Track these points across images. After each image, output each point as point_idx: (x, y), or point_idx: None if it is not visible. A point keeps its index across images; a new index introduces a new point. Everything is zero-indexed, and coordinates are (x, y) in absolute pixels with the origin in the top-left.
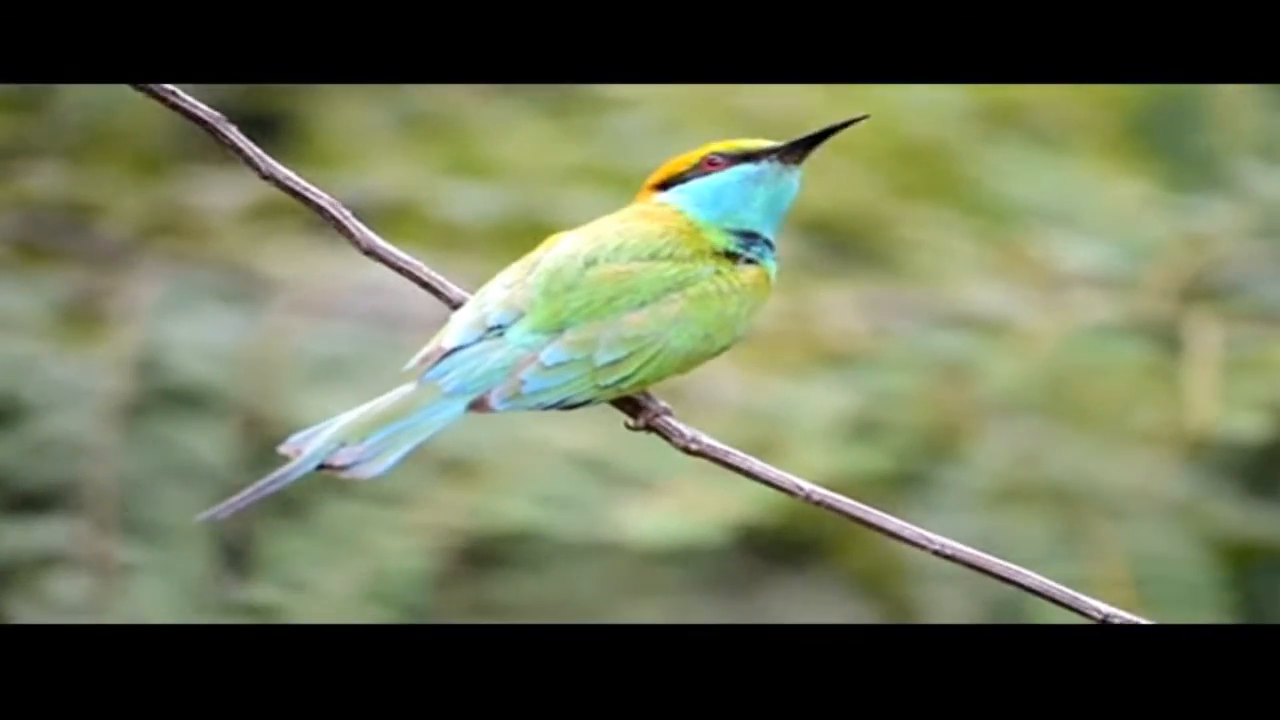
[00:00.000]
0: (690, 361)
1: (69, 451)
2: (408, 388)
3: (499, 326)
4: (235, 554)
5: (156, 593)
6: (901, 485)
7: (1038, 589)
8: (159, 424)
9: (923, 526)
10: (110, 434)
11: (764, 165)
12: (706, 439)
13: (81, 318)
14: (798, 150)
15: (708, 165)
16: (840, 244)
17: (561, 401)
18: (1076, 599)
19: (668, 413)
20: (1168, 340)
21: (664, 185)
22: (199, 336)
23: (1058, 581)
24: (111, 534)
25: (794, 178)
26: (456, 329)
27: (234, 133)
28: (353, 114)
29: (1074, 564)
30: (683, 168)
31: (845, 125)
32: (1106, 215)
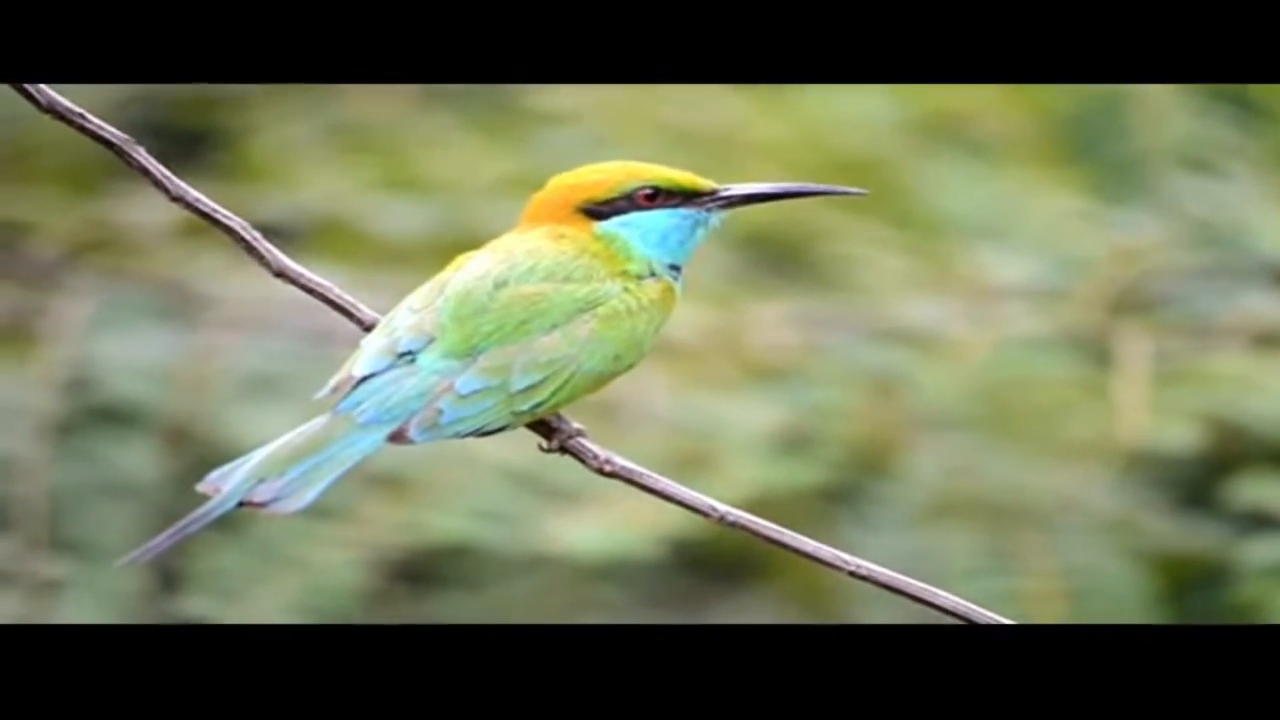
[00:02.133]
0: (601, 381)
1: (0, 469)
2: (323, 419)
3: (410, 352)
4: (168, 570)
5: (87, 609)
6: (834, 500)
7: (950, 608)
8: (90, 441)
9: (857, 542)
10: (41, 451)
11: (709, 213)
12: (620, 460)
13: (11, 336)
14: (744, 201)
15: (643, 199)
16: (772, 258)
17: (479, 429)
18: (989, 618)
19: (581, 434)
20: (1098, 353)
21: (593, 211)
22: (130, 354)
23: (989, 596)
24: (42, 551)
25: (720, 221)
26: (366, 356)
27: (142, 154)
28: (282, 127)
29: (1007, 578)
30: (606, 193)
31: (807, 193)
32: (1037, 228)
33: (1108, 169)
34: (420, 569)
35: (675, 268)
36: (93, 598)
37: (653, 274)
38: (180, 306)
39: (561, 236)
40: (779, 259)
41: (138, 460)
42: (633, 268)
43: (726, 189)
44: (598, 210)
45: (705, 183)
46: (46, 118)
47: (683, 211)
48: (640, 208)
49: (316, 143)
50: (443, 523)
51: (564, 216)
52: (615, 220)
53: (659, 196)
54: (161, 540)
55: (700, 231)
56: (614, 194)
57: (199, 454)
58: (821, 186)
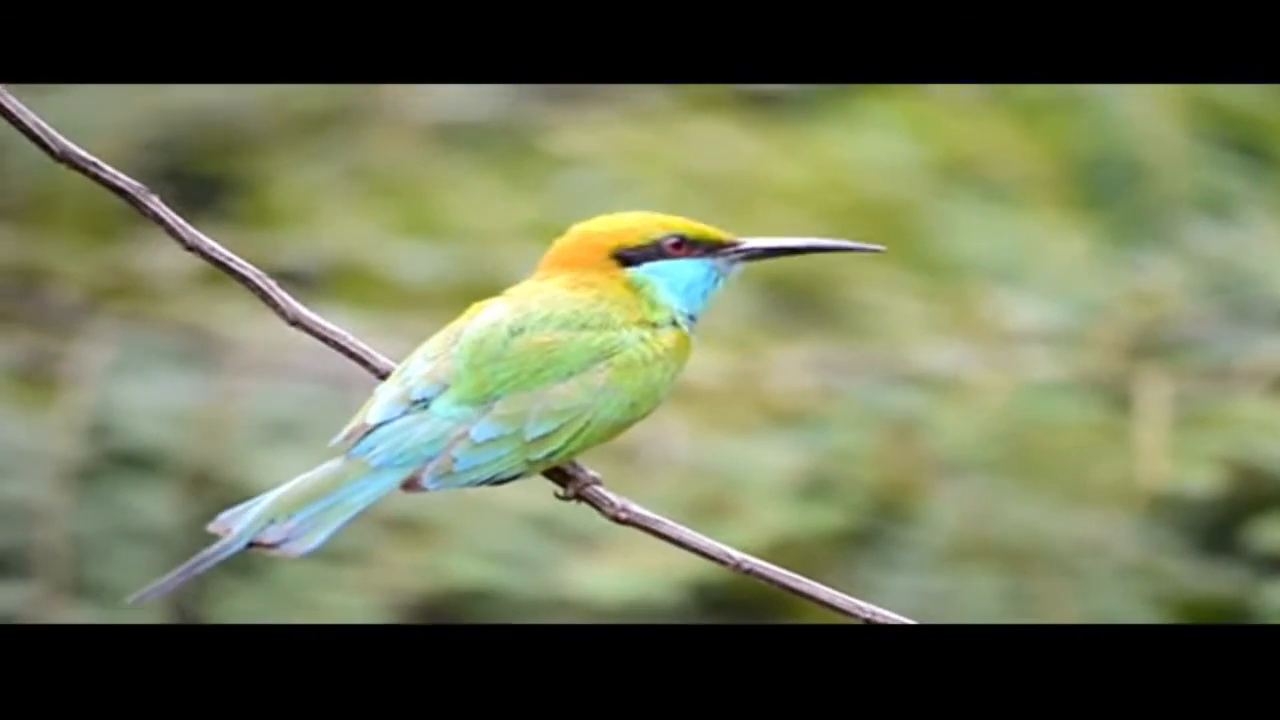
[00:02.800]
0: (617, 429)
1: (21, 515)
2: (335, 463)
3: (423, 400)
4: (187, 615)
5: None
6: (855, 544)
7: None
8: (111, 487)
9: (878, 585)
10: (62, 497)
11: (730, 261)
12: (636, 508)
13: (33, 381)
14: (766, 254)
15: (671, 248)
16: (791, 302)
17: (493, 477)
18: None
19: (597, 482)
20: (1118, 397)
21: (624, 257)
22: (150, 399)
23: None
24: (64, 596)
25: (738, 272)
26: (380, 404)
27: (155, 203)
28: (300, 172)
29: (1028, 622)
30: (638, 240)
31: (829, 249)
32: (1055, 271)
33: (1125, 213)
34: (438, 612)
35: (692, 318)
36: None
37: (673, 323)
38: (200, 352)
39: (578, 284)
40: (798, 303)
41: (158, 505)
42: (655, 316)
43: (748, 241)
44: (629, 256)
45: (727, 235)
46: (60, 168)
47: (709, 262)
48: (668, 256)
49: (335, 186)
50: (460, 566)
51: (596, 262)
52: (646, 267)
53: (684, 246)
54: (172, 579)
55: (720, 283)
56: (644, 242)
57: (219, 498)
58: (840, 242)
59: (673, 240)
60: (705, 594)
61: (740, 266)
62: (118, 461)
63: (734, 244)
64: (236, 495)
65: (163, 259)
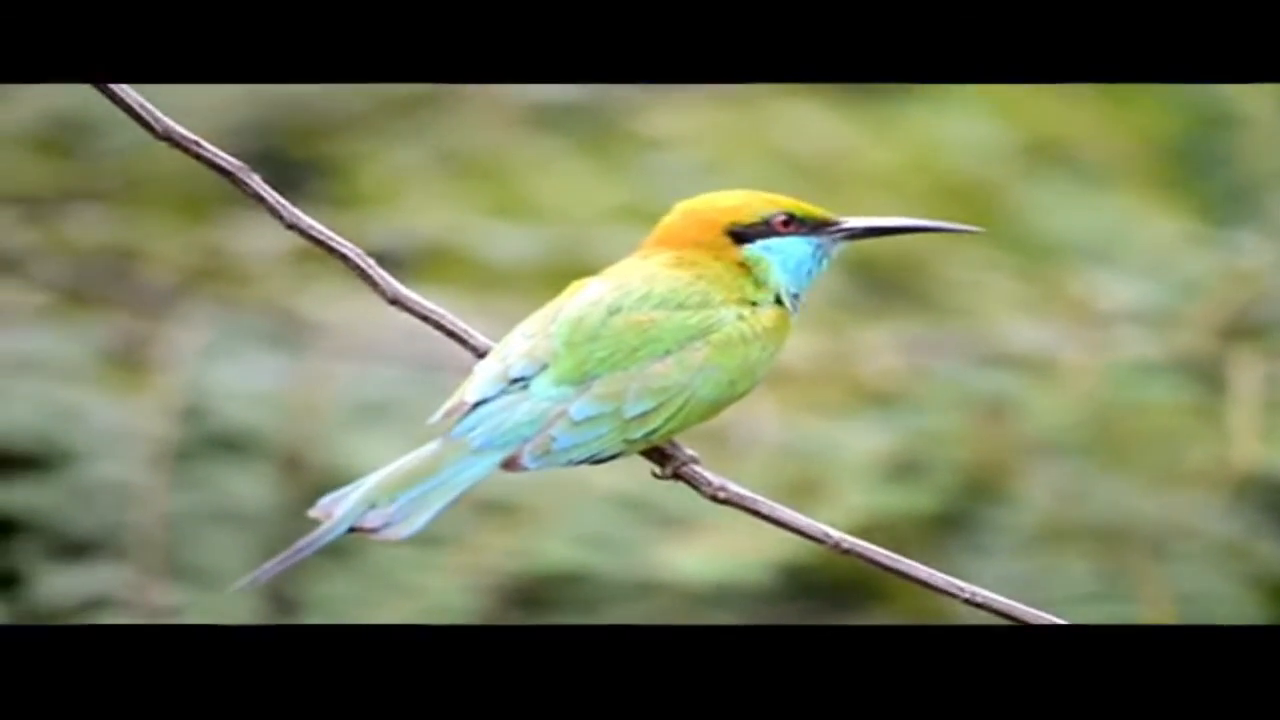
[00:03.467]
0: (715, 408)
1: (115, 497)
2: (435, 444)
3: (523, 379)
4: (282, 597)
5: None
6: (945, 526)
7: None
8: (204, 469)
9: (968, 568)
10: (156, 479)
11: (834, 239)
12: (734, 487)
13: (126, 364)
14: (867, 234)
15: (780, 225)
16: (881, 282)
17: (591, 457)
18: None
19: (694, 461)
20: (1210, 378)
21: (738, 234)
22: (243, 381)
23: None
24: (158, 578)
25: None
26: (479, 382)
27: (257, 181)
28: (391, 155)
29: (1120, 604)
30: (750, 218)
31: (929, 229)
32: (1146, 251)
33: (1216, 192)
34: (532, 595)
35: (796, 296)
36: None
37: (776, 301)
38: (293, 334)
39: (679, 263)
40: (887, 284)
41: (251, 487)
42: (758, 295)
43: (849, 221)
44: (743, 233)
45: (831, 214)
46: (161, 145)
47: (814, 240)
48: (778, 234)
49: (425, 169)
50: (554, 549)
51: (708, 239)
52: (760, 244)
53: (792, 223)
54: (274, 564)
55: (825, 263)
56: (755, 219)
57: (312, 481)
58: (939, 223)
59: (782, 217)
60: (796, 576)
61: (841, 246)
62: (210, 444)
63: (837, 223)
64: (329, 477)
65: (255, 241)
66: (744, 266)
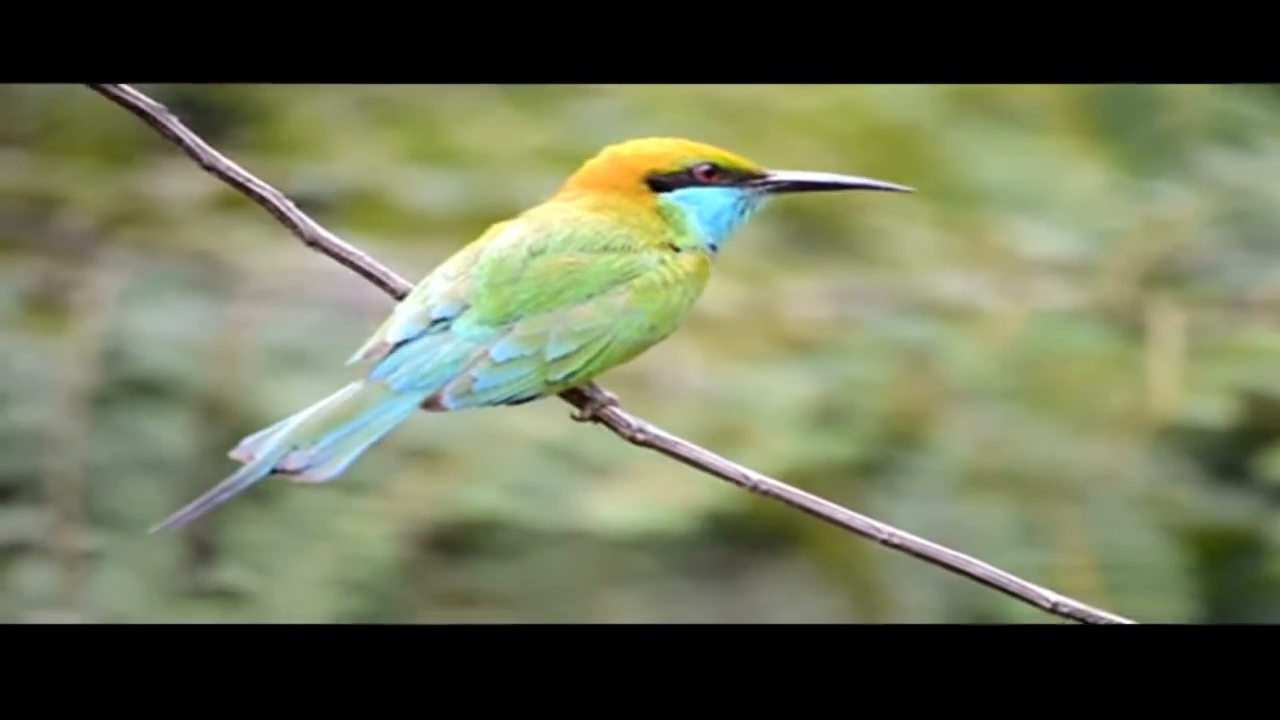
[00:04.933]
0: (635, 351)
1: (34, 442)
2: (356, 386)
3: (444, 319)
4: (202, 542)
5: (123, 582)
6: (868, 473)
7: (985, 578)
8: (123, 414)
9: (890, 515)
10: (75, 424)
11: (758, 192)
12: (653, 429)
13: (45, 309)
14: (794, 188)
15: (702, 175)
16: (805, 230)
17: (511, 398)
18: (1025, 588)
19: (613, 403)
20: (1131, 326)
21: (656, 183)
22: (163, 326)
23: (1022, 568)
24: (77, 524)
25: (765, 204)
26: (400, 323)
27: (174, 123)
28: (315, 101)
29: (1039, 551)
30: (671, 166)
31: (858, 187)
32: (1070, 200)
33: (1140, 142)
34: (454, 541)
35: (714, 247)
36: (127, 570)
37: (693, 248)
38: (213, 279)
39: (601, 207)
40: (812, 232)
41: (171, 433)
42: (681, 241)
43: (776, 174)
44: (661, 182)
45: (757, 167)
46: (79, 88)
47: (736, 192)
48: (699, 184)
49: (348, 116)
50: (476, 496)
51: (627, 185)
52: (678, 193)
53: (716, 174)
54: (195, 507)
55: (747, 214)
56: (677, 168)
57: (232, 426)
58: (869, 181)
59: (705, 168)
60: (718, 523)
61: (767, 199)
62: (130, 389)
63: (763, 176)
64: (249, 422)
65: (175, 186)
66: (660, 214)
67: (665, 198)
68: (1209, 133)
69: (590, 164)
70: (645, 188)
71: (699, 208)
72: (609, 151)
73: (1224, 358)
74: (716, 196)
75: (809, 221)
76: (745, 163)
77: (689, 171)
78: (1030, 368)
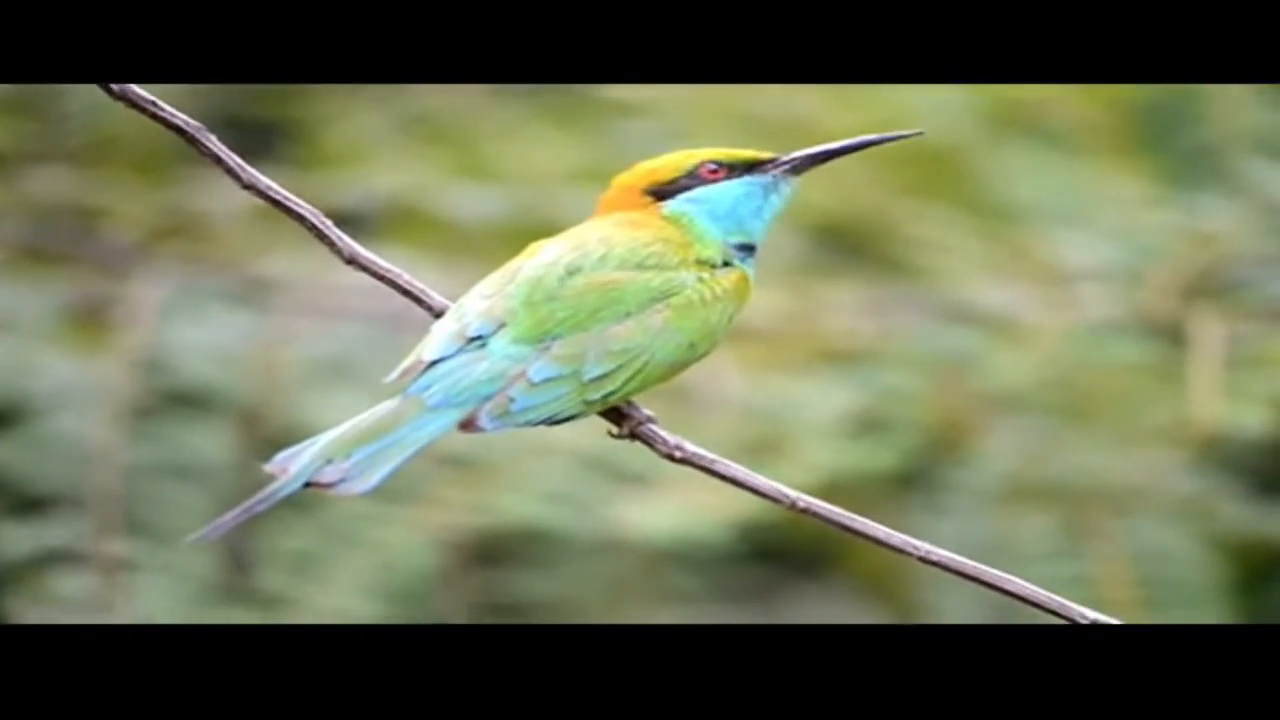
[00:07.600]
0: (674, 370)
1: (75, 452)
2: (392, 402)
3: (480, 337)
4: (240, 551)
5: (161, 590)
6: (906, 485)
7: (1022, 594)
8: (164, 425)
9: (929, 527)
10: (115, 435)
11: (775, 177)
12: (691, 446)
13: (87, 321)
14: (809, 163)
15: (708, 174)
16: (846, 243)
17: (549, 418)
18: (1063, 605)
19: (651, 421)
20: (1173, 338)
21: (657, 193)
22: (204, 339)
23: (1061, 581)
24: (116, 533)
25: (792, 188)
26: (436, 341)
27: (213, 142)
28: (357, 117)
29: (1079, 563)
30: (670, 174)
31: (867, 144)
32: (1111, 213)
33: (1181, 156)
34: (492, 551)
35: (748, 249)
36: (165, 578)
37: (726, 263)
38: (253, 292)
39: (635, 224)
40: (851, 245)
41: (210, 444)
42: (705, 252)
43: (788, 155)
44: (662, 191)
45: (765, 154)
46: (121, 105)
47: (749, 179)
48: (705, 182)
49: (388, 135)
50: (514, 506)
51: (634, 202)
52: (681, 198)
53: (719, 170)
54: (229, 519)
55: (774, 199)
56: (677, 174)
57: (270, 438)
58: (880, 135)
59: (709, 167)
60: (755, 536)
61: (794, 181)
62: (170, 400)
63: (774, 160)
64: (288, 435)
65: (217, 200)
66: (671, 223)
67: (669, 205)
68: (1249, 144)
69: (602, 197)
70: (648, 200)
71: (707, 206)
72: (614, 180)
73: (1265, 369)
74: (728, 189)
75: (847, 235)
76: (749, 153)
77: (692, 174)
78: (1070, 379)
